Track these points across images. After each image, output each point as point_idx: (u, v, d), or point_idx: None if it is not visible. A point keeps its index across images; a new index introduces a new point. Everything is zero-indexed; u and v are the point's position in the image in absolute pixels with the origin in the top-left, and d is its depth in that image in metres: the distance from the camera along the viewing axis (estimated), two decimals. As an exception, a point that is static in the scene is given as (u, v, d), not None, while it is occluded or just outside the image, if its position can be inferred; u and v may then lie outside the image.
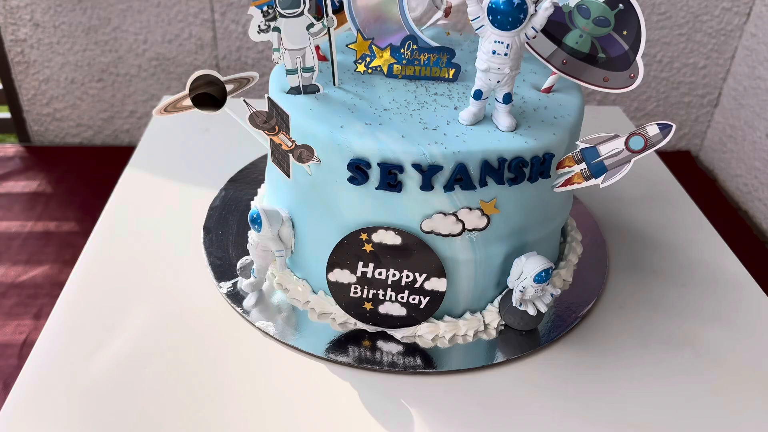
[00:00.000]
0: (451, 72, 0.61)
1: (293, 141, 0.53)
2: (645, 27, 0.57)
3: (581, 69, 0.59)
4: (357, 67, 0.61)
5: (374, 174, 0.52)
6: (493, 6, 0.50)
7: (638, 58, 0.57)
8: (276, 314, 0.60)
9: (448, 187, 0.52)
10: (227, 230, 0.69)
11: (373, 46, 0.60)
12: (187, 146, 0.93)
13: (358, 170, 0.52)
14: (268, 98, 0.52)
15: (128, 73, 1.69)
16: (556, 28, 0.59)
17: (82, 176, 1.68)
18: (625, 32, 0.57)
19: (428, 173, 0.51)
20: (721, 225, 1.63)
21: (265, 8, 0.62)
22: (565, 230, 0.72)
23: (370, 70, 0.61)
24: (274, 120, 0.53)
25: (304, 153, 0.54)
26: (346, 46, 0.61)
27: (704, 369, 0.61)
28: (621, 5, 0.57)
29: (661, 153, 1.89)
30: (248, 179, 0.78)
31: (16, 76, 1.67)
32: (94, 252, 0.70)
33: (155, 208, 0.76)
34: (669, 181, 0.97)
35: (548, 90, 0.62)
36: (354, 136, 0.52)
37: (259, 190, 0.74)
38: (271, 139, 0.54)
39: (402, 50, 0.60)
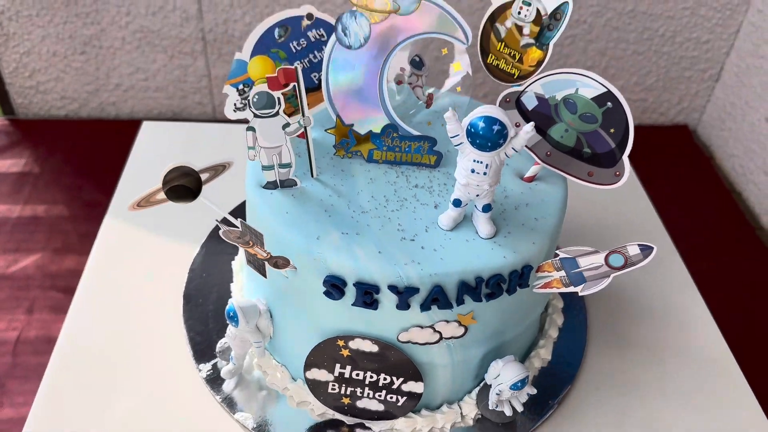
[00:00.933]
0: (433, 159, 0.59)
1: (268, 252, 0.52)
2: (633, 126, 0.55)
3: (566, 162, 0.57)
4: (336, 153, 0.59)
5: (350, 291, 0.52)
6: (473, 130, 0.47)
7: (624, 157, 0.55)
8: (256, 393, 0.61)
9: (425, 307, 0.51)
10: (207, 298, 0.69)
11: (353, 132, 0.58)
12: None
13: (334, 288, 0.51)
14: (241, 221, 0.50)
15: (112, 46, 1.62)
16: (541, 119, 0.56)
17: (69, 151, 1.64)
18: (612, 130, 0.54)
19: (404, 295, 0.50)
20: (714, 206, 1.63)
21: (240, 86, 0.59)
22: (546, 306, 0.72)
23: (349, 155, 0.59)
24: (248, 236, 0.51)
25: (280, 262, 0.53)
26: (325, 131, 0.58)
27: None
28: (609, 104, 0.54)
29: (658, 127, 1.85)
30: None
31: (-3, 49, 1.61)
32: (75, 327, 0.70)
33: (136, 267, 0.75)
34: (661, 237, 0.95)
35: (531, 179, 0.60)
36: (330, 250, 0.51)
37: (240, 250, 0.74)
38: (245, 249, 0.53)
39: (383, 138, 0.57)
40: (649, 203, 1.05)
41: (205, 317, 0.67)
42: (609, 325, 0.73)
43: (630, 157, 0.55)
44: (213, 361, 0.64)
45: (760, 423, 0.68)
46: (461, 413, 0.61)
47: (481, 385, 0.62)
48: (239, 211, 0.66)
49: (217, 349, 0.64)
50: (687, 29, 1.70)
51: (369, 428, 0.60)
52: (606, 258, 0.53)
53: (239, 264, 0.72)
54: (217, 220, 0.51)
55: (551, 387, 0.64)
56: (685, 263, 0.90)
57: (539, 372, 0.66)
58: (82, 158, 1.63)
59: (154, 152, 0.95)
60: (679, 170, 1.76)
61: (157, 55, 1.62)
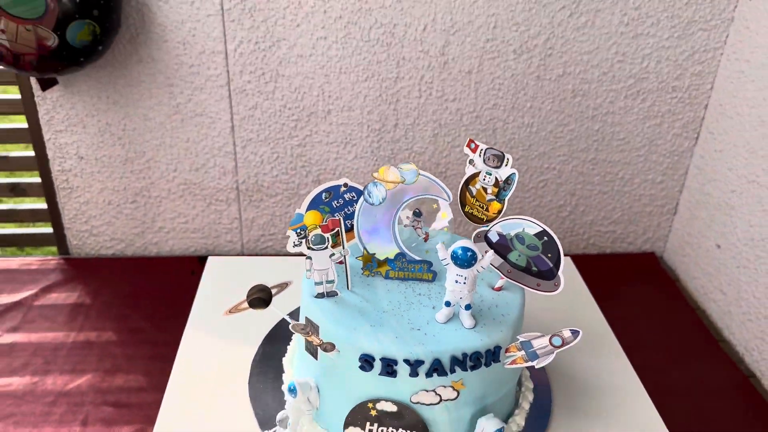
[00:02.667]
0: (430, 276, 0.89)
1: (321, 339, 0.81)
2: (563, 251, 0.86)
3: (521, 276, 0.87)
4: (363, 272, 0.89)
5: (377, 366, 0.79)
6: (454, 255, 0.78)
7: (560, 273, 0.85)
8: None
9: (429, 374, 0.79)
10: (266, 384, 0.96)
11: (376, 259, 0.88)
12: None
13: (366, 363, 0.79)
14: (306, 318, 0.80)
15: (159, 196, 1.98)
16: (502, 248, 0.87)
17: (116, 286, 1.95)
18: (549, 255, 0.85)
19: (414, 366, 0.78)
20: (680, 321, 1.92)
21: (298, 230, 0.90)
22: (520, 381, 0.99)
23: (373, 274, 0.89)
24: (308, 328, 0.80)
25: (329, 347, 0.81)
26: (356, 258, 0.89)
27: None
28: (546, 238, 0.85)
29: (627, 254, 2.16)
30: (278, 337, 1.06)
31: (60, 200, 1.96)
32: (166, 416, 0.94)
33: (212, 364, 1.02)
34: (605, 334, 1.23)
35: (499, 288, 0.90)
36: (363, 337, 0.80)
37: (288, 347, 1.02)
38: (305, 338, 0.82)
39: (395, 262, 0.88)
40: (601, 316, 1.32)
41: (266, 397, 0.94)
42: (571, 400, 0.99)
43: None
44: (273, 428, 0.90)
45: None
46: None
47: None
48: (294, 314, 0.94)
49: (278, 419, 0.90)
50: (642, 172, 2.07)
51: None
52: (550, 339, 0.81)
53: (289, 358, 0.99)
54: (286, 318, 0.80)
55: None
56: (652, 374, 1.12)
57: (515, 436, 0.91)
58: (127, 291, 1.94)
59: (219, 280, 1.24)
60: (647, 292, 2.06)
61: (197, 202, 1.98)
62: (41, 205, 2.01)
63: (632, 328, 1.52)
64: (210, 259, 1.30)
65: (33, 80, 1.75)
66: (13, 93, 1.84)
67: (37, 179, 1.95)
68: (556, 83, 1.88)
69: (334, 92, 1.82)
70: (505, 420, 0.92)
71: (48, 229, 2.05)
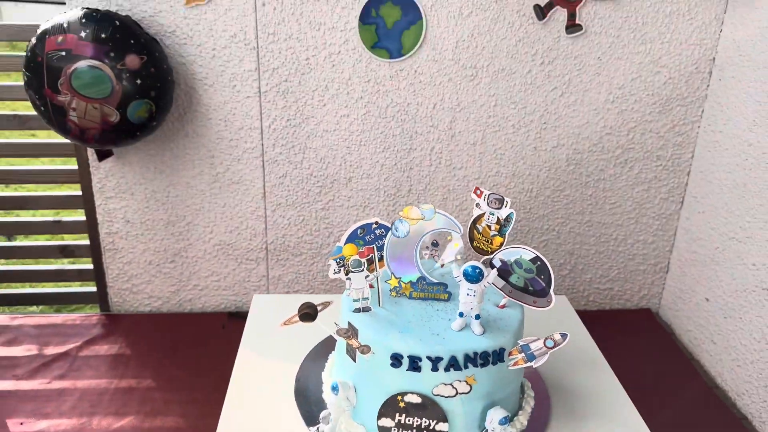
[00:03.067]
0: (446, 296, 1.10)
1: (359, 342, 1.01)
2: (553, 274, 1.07)
3: (520, 295, 1.08)
4: (392, 294, 1.10)
5: (405, 362, 0.99)
6: (465, 273, 1.00)
7: (551, 291, 1.06)
8: (344, 447, 1.05)
9: (446, 369, 0.99)
10: (309, 392, 1.15)
11: (402, 282, 1.10)
12: (276, 332, 1.41)
13: (396, 360, 0.99)
14: (349, 322, 1.01)
15: (195, 256, 2.21)
16: (504, 272, 1.09)
17: (153, 339, 2.15)
18: (542, 277, 1.06)
19: (435, 362, 0.98)
20: (676, 371, 2.08)
21: (338, 260, 1.12)
22: (523, 389, 1.18)
23: (399, 294, 1.10)
24: (350, 332, 1.01)
25: (365, 349, 1.01)
26: (385, 281, 1.10)
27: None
28: (539, 262, 1.07)
29: (625, 310, 2.34)
30: (318, 355, 1.26)
31: (106, 260, 2.19)
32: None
33: (266, 376, 1.21)
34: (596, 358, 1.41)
35: (503, 306, 1.11)
36: (393, 340, 1.00)
37: (326, 363, 1.21)
38: (347, 341, 1.02)
39: (417, 284, 1.09)
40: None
41: (309, 401, 1.13)
42: (568, 408, 1.17)
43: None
44: (317, 425, 1.08)
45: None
46: None
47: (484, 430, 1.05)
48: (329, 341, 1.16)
49: (321, 416, 1.08)
50: (634, 234, 2.30)
51: None
52: (544, 342, 1.01)
53: (328, 370, 1.19)
54: (331, 333, 1.01)
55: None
56: (650, 417, 1.27)
57: (519, 433, 1.09)
58: (164, 343, 2.14)
59: (265, 315, 1.45)
60: (644, 345, 2.24)
61: (229, 261, 2.20)
62: (88, 265, 2.24)
63: (631, 376, 1.67)
64: (255, 296, 1.51)
65: (90, 152, 2.02)
66: (71, 164, 2.11)
67: (86, 242, 2.19)
68: (551, 153, 2.15)
69: (354, 162, 2.08)
70: (510, 419, 1.10)
71: (92, 288, 2.27)
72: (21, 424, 1.79)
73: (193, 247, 2.19)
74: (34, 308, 2.36)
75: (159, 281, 2.23)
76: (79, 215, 2.19)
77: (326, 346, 1.27)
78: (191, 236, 2.17)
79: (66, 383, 1.94)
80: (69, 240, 2.28)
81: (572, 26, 1.98)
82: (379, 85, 1.99)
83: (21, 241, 2.33)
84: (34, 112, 1.90)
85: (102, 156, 1.99)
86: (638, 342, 2.22)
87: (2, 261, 2.32)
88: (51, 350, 2.08)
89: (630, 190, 2.23)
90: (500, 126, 2.09)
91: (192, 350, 2.08)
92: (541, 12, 1.96)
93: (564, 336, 1.02)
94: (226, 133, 2.03)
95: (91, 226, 2.15)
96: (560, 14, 1.96)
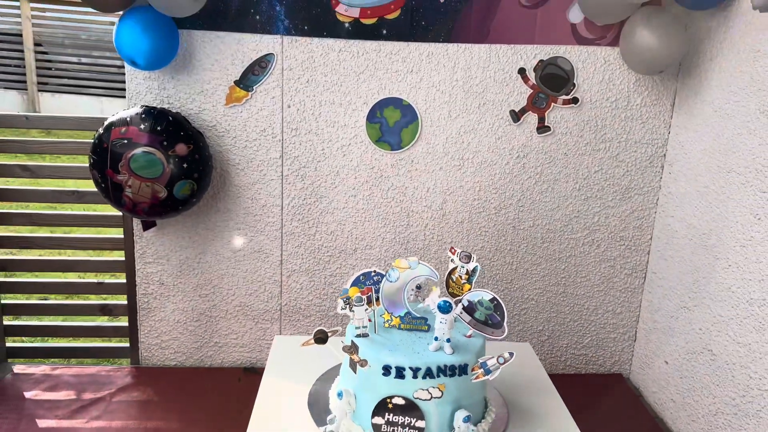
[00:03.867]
0: (426, 327, 1.49)
1: (360, 358, 1.38)
2: (506, 310, 1.46)
3: (481, 327, 1.46)
4: (385, 325, 1.49)
5: (393, 372, 1.36)
6: (439, 306, 1.39)
7: (505, 324, 1.44)
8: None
9: (423, 377, 1.36)
10: (320, 402, 1.50)
11: (393, 316, 1.49)
12: (298, 359, 1.77)
13: (386, 370, 1.36)
14: (352, 341, 1.39)
15: (218, 316, 2.58)
16: (470, 310, 1.47)
17: (178, 389, 2.49)
18: (498, 313, 1.45)
19: (415, 371, 1.35)
20: (642, 425, 2.39)
21: (345, 299, 1.51)
22: (487, 405, 1.53)
23: (390, 326, 1.49)
24: (352, 349, 1.38)
25: (363, 363, 1.38)
26: (380, 315, 1.49)
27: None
28: (496, 302, 1.46)
29: (599, 375, 2.66)
30: (328, 377, 1.62)
31: (140, 319, 2.57)
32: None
33: (285, 394, 1.57)
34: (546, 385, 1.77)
35: (469, 336, 1.48)
36: (385, 355, 1.38)
37: (333, 384, 1.57)
38: (349, 357, 1.39)
39: (404, 318, 1.48)
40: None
41: (320, 409, 1.48)
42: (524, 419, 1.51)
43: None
44: (324, 427, 1.44)
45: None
46: None
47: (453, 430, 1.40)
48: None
49: (328, 419, 1.44)
50: (604, 305, 2.67)
51: None
52: (497, 359, 1.38)
53: (333, 387, 1.55)
54: (335, 353, 1.39)
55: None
56: None
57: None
58: (187, 392, 2.48)
59: (285, 352, 1.81)
60: (613, 406, 2.56)
61: (247, 321, 2.58)
62: (123, 323, 2.62)
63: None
64: (276, 338, 1.89)
65: (136, 222, 2.45)
66: (116, 233, 2.54)
67: (124, 301, 2.58)
68: (528, 232, 2.56)
69: (359, 235, 2.50)
70: (474, 425, 1.44)
71: (125, 344, 2.63)
72: (63, 455, 2.12)
73: (217, 308, 2.57)
74: (72, 360, 2.71)
75: (184, 338, 2.60)
76: (120, 278, 2.59)
77: (332, 372, 1.64)
78: (216, 298, 2.56)
79: (102, 423, 2.28)
80: (109, 300, 2.66)
81: (542, 128, 2.46)
82: (382, 171, 2.45)
83: (65, 300, 2.72)
84: (89, 189, 2.35)
85: (146, 226, 2.42)
86: (608, 404, 2.54)
87: (46, 317, 2.70)
88: (88, 396, 2.42)
89: (598, 266, 2.62)
90: (484, 208, 2.52)
91: (212, 399, 2.42)
92: (516, 116, 2.44)
93: (511, 354, 1.38)
94: (252, 209, 2.47)
95: (129, 288, 2.55)
96: (532, 118, 2.44)
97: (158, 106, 2.29)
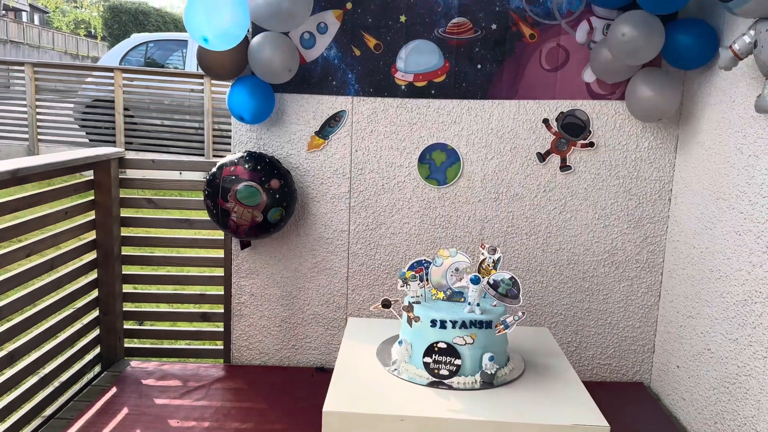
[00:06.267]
0: (462, 299, 2.08)
1: (414, 314, 1.98)
2: (522, 286, 2.04)
3: (503, 299, 2.05)
4: (432, 297, 2.09)
5: (438, 324, 1.96)
6: (471, 279, 1.99)
7: (520, 295, 2.02)
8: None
9: (460, 328, 1.94)
10: (383, 355, 2.10)
11: (438, 291, 2.09)
12: (367, 334, 2.37)
13: (433, 323, 1.96)
14: (409, 302, 1.99)
15: (295, 322, 3.21)
16: (495, 285, 2.06)
17: (262, 382, 3.10)
18: (515, 288, 2.03)
19: (453, 324, 1.95)
20: (659, 427, 2.87)
21: (403, 279, 2.12)
22: (509, 357, 2.09)
23: (435, 298, 2.09)
24: (410, 308, 1.99)
25: (417, 319, 1.98)
26: (429, 290, 2.10)
27: None
28: (513, 279, 2.05)
29: (622, 383, 3.15)
30: (385, 344, 2.22)
31: (233, 324, 3.22)
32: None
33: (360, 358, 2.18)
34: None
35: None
36: (432, 313, 1.98)
37: (391, 348, 2.17)
38: (407, 314, 2.00)
39: (446, 292, 2.08)
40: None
41: (386, 357, 2.08)
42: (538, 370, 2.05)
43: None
44: (388, 367, 2.03)
45: None
46: (475, 378, 1.95)
47: (482, 369, 1.97)
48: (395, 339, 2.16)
49: (391, 361, 2.03)
50: (624, 320, 3.19)
51: (446, 383, 1.94)
52: (513, 317, 1.96)
53: (396, 346, 2.15)
54: (403, 306, 1.99)
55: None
56: None
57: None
58: (268, 385, 3.07)
59: (357, 336, 2.42)
60: (635, 411, 3.02)
61: (318, 327, 3.20)
62: (219, 328, 3.27)
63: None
64: (350, 319, 2.50)
65: (234, 243, 3.14)
66: (218, 253, 3.23)
67: (221, 310, 3.24)
68: (555, 255, 3.13)
69: (412, 256, 3.13)
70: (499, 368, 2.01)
71: (219, 346, 3.28)
72: (177, 422, 2.74)
73: (295, 316, 3.21)
74: (175, 359, 3.37)
75: (268, 341, 3.23)
76: (218, 290, 3.26)
77: (389, 342, 2.24)
78: (294, 307, 3.20)
79: (204, 402, 2.90)
80: (208, 309, 3.34)
81: (564, 167, 3.06)
82: (430, 203, 3.09)
83: (171, 308, 3.41)
84: (198, 217, 3.06)
85: (243, 246, 3.10)
86: (631, 410, 3.00)
87: (157, 323, 3.39)
88: (191, 384, 3.06)
89: (618, 284, 3.15)
90: (516, 234, 3.11)
91: (289, 392, 3.02)
92: (542, 157, 3.06)
93: (524, 313, 1.95)
94: (325, 233, 3.13)
95: (226, 299, 3.21)
96: (555, 159, 3.05)
97: (257, 151, 3.02)
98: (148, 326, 3.37)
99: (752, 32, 2.21)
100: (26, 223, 2.61)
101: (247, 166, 2.89)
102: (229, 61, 2.76)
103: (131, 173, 4.73)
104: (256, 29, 2.84)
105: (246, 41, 2.77)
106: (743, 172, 2.50)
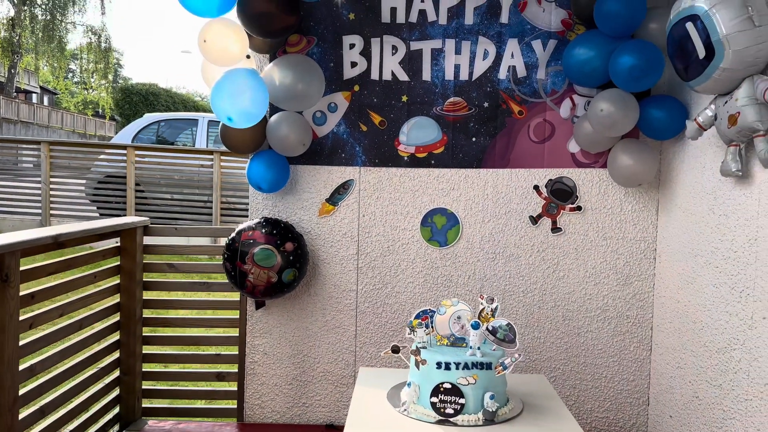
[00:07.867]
0: (464, 345, 2.33)
1: (421, 358, 2.22)
2: (517, 331, 2.29)
3: (500, 343, 2.29)
4: (437, 343, 2.33)
5: (443, 366, 2.19)
6: (472, 325, 2.23)
7: (516, 340, 2.27)
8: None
9: (463, 369, 2.18)
10: (396, 395, 2.32)
11: (442, 337, 2.34)
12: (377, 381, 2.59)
13: (438, 365, 2.20)
14: (417, 347, 2.23)
15: (306, 380, 3.41)
16: (493, 331, 2.31)
17: (275, 437, 3.27)
18: (512, 333, 2.28)
19: (457, 365, 2.18)
20: None
21: (410, 327, 2.37)
22: (508, 397, 2.31)
23: (440, 343, 2.33)
24: (417, 353, 2.23)
25: (424, 361, 2.22)
26: (434, 336, 2.34)
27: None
28: (510, 325, 2.29)
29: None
30: (395, 389, 2.44)
31: (246, 383, 3.42)
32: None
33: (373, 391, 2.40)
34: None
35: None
36: (438, 356, 2.22)
37: (401, 392, 2.39)
38: (414, 358, 2.23)
39: (449, 338, 2.33)
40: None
41: (398, 398, 2.30)
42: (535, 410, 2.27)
43: None
44: (398, 408, 2.24)
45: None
46: (477, 416, 2.16)
47: (484, 407, 2.19)
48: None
49: (401, 402, 2.24)
50: (618, 374, 3.40)
51: (451, 421, 2.15)
52: (510, 358, 2.19)
53: (405, 389, 2.37)
54: (411, 351, 2.23)
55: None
56: None
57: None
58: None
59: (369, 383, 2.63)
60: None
61: (328, 385, 3.39)
62: (233, 387, 3.47)
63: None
64: (361, 369, 2.72)
65: (249, 303, 3.38)
66: (233, 314, 3.47)
67: (235, 369, 3.45)
68: (551, 310, 3.38)
69: (414, 312, 3.36)
70: (499, 407, 2.23)
71: (232, 405, 3.47)
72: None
73: (305, 374, 3.42)
74: (190, 418, 3.55)
75: (279, 399, 3.42)
76: (233, 350, 3.48)
77: (398, 387, 2.47)
78: (304, 365, 3.41)
79: (221, 456, 3.07)
80: (222, 369, 3.54)
81: (555, 229, 3.36)
82: (433, 263, 3.36)
83: (187, 368, 3.62)
84: (215, 280, 3.32)
85: (258, 306, 3.35)
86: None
87: (171, 383, 3.58)
88: (208, 440, 3.23)
89: (611, 339, 3.38)
90: (513, 291, 3.37)
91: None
92: (534, 220, 3.36)
93: (520, 355, 2.19)
94: (334, 293, 3.38)
95: (240, 358, 3.43)
96: (547, 221, 3.35)
97: (273, 217, 3.32)
98: (165, 386, 3.56)
99: (713, 106, 2.55)
100: (61, 285, 2.87)
101: (263, 230, 3.18)
102: (250, 138, 3.10)
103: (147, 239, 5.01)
104: (274, 109, 3.20)
105: (264, 120, 3.12)
106: (716, 230, 2.79)
